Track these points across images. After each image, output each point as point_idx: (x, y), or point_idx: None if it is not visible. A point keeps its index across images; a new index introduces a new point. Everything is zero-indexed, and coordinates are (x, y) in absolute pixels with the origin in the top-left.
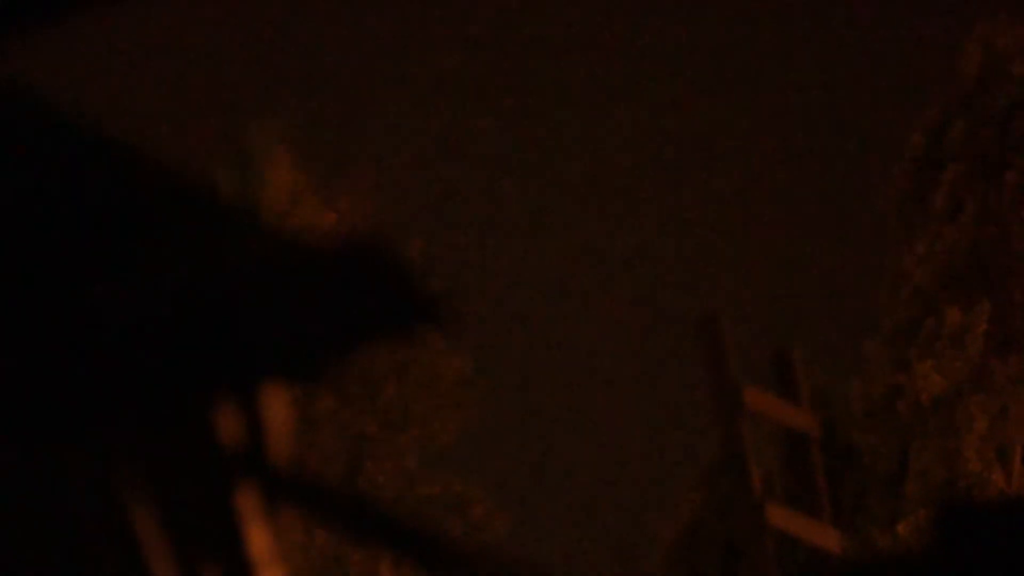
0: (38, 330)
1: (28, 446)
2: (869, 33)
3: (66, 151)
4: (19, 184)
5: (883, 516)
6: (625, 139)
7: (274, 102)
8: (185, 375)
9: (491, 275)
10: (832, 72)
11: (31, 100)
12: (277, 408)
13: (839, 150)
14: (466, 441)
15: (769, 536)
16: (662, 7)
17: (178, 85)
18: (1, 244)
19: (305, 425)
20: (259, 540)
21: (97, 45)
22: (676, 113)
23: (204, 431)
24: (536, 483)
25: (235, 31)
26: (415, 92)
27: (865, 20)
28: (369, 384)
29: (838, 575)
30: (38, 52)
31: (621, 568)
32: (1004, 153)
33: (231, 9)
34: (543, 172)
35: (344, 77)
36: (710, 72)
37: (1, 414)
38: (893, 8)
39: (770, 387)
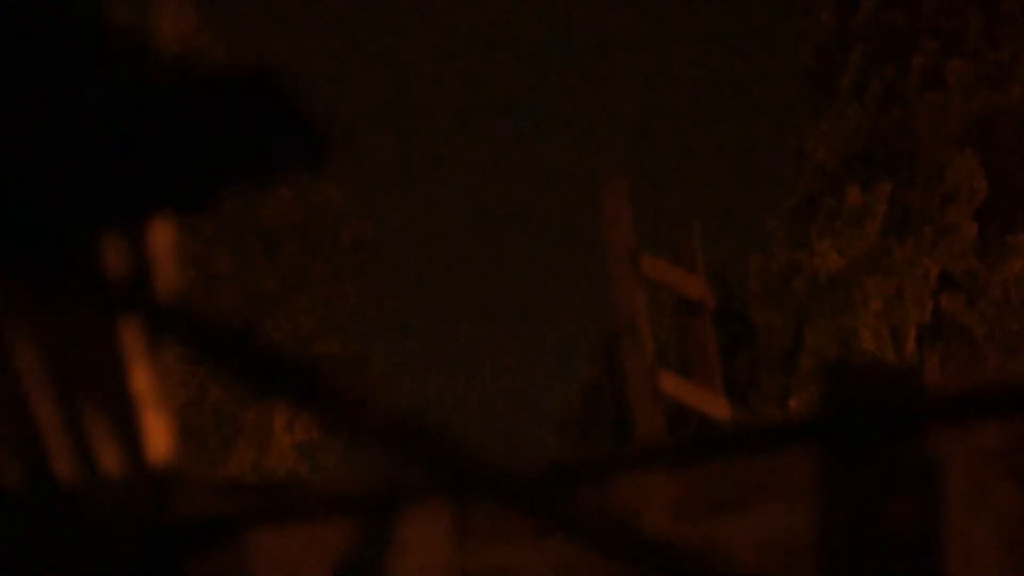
0: None
1: None
2: None
3: None
4: None
5: (776, 392)
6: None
7: None
8: (68, 206)
9: (390, 126)
10: None
11: None
12: (163, 241)
13: (748, 27)
14: (364, 305)
15: (660, 403)
16: None
17: None
18: None
19: (203, 282)
20: (143, 378)
21: None
22: None
23: (87, 264)
24: (433, 351)
25: None
26: None
27: None
28: (268, 242)
29: (699, 441)
30: None
31: (516, 434)
32: (913, 35)
33: None
34: (445, 22)
35: None
36: None
37: None
38: None
39: (669, 258)
